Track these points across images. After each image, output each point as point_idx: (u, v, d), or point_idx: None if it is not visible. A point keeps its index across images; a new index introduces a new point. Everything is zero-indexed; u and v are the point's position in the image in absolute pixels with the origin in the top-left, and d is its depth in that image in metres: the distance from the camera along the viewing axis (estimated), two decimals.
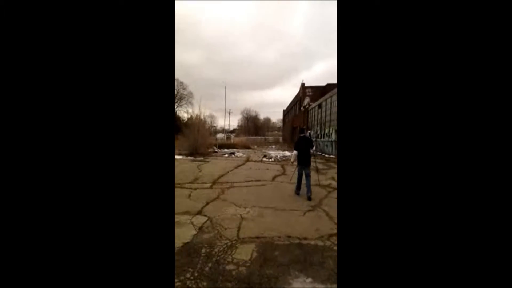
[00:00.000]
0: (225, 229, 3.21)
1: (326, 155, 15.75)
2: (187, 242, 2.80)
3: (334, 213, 3.88)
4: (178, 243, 2.75)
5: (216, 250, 2.61)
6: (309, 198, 4.72)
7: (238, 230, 3.17)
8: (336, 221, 3.53)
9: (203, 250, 2.60)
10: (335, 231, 3.16)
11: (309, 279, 2.06)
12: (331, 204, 4.39)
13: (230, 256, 2.47)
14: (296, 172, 5.28)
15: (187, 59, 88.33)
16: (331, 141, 15.83)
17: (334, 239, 2.90)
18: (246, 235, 3.02)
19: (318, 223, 3.47)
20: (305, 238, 2.94)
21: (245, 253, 2.54)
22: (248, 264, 2.32)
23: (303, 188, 5.04)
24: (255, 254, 2.52)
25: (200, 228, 3.24)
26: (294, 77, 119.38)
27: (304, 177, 4.99)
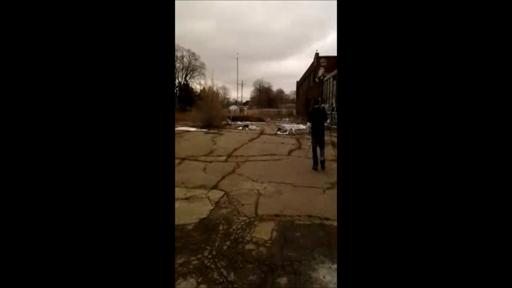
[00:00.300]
0: (243, 205, 3.10)
1: (334, 126, 15.21)
2: (204, 218, 2.71)
3: None
4: (194, 218, 2.67)
5: (234, 227, 2.51)
6: (323, 166, 4.89)
7: (256, 207, 3.05)
8: None
9: (221, 227, 2.51)
10: None
11: (335, 266, 1.91)
12: None
13: (249, 235, 2.36)
14: (311, 146, 5.18)
15: (198, 29, 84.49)
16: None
17: None
18: (264, 212, 2.90)
19: None
20: (327, 219, 2.78)
21: (264, 232, 2.43)
22: (268, 245, 2.20)
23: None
24: (275, 234, 2.40)
25: (217, 203, 3.14)
26: (307, 47, 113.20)
27: (318, 150, 4.99)
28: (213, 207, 3.01)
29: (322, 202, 3.28)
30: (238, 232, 2.42)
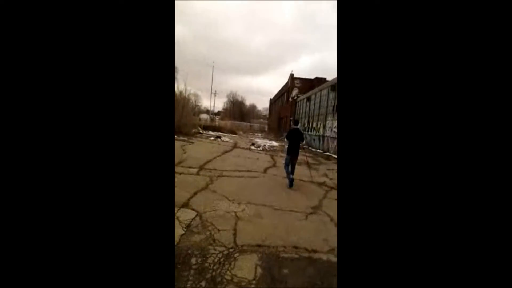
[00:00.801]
0: (219, 231, 2.65)
1: (313, 149, 15.56)
2: None
3: None
4: None
5: (210, 260, 2.06)
6: (291, 182, 4.97)
7: (235, 234, 2.63)
8: None
9: (194, 260, 2.04)
10: None
11: None
12: (333, 207, 3.97)
13: (229, 272, 1.93)
14: (285, 162, 5.29)
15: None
16: (319, 135, 15.61)
17: None
18: (244, 241, 2.49)
19: (325, 231, 3.03)
20: (315, 251, 2.47)
21: (247, 268, 2.02)
22: (253, 287, 1.80)
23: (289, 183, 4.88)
24: (259, 271, 2.00)
25: (188, 227, 2.66)
26: (281, 67, 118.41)
27: (290, 165, 5.14)
28: (183, 232, 2.52)
29: (306, 230, 2.98)
30: (215, 267, 1.97)
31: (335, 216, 3.52)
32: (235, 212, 3.25)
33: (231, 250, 2.28)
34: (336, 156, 11.94)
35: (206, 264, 2.00)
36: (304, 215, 3.48)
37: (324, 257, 2.37)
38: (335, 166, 8.72)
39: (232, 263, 2.07)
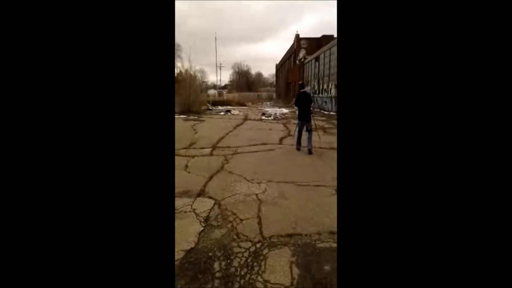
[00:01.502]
0: (241, 220, 2.33)
1: (326, 112, 14.81)
2: (191, 249, 1.91)
3: None
4: (176, 251, 1.86)
5: (235, 263, 1.75)
6: (310, 152, 4.83)
7: (260, 223, 2.30)
8: None
9: (217, 265, 1.73)
10: None
11: None
12: None
13: (260, 277, 1.62)
14: (297, 128, 5.19)
15: None
16: (331, 96, 14.72)
17: None
18: (272, 231, 2.16)
19: None
20: None
21: (281, 268, 1.70)
22: None
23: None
24: (296, 271, 1.68)
25: (206, 220, 2.35)
26: (283, 31, 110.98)
27: (304, 132, 5.03)
28: (202, 228, 2.21)
29: None
30: (242, 273, 1.66)
31: None
32: (256, 195, 2.91)
33: (258, 245, 1.96)
34: None
35: (232, 269, 1.69)
36: (332, 189, 3.10)
37: None
38: None
39: (262, 263, 1.75)
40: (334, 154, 4.91)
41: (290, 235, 2.11)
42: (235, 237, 2.07)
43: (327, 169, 3.94)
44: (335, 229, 2.20)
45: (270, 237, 2.07)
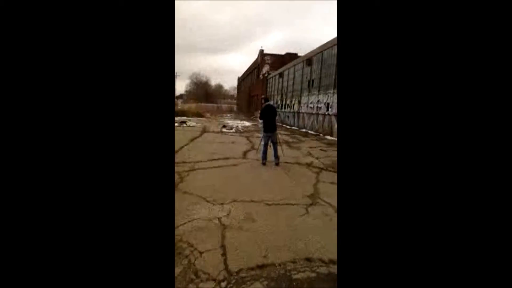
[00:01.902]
0: (201, 253, 1.90)
1: (288, 126, 15.14)
2: None
3: None
4: None
5: None
6: (277, 165, 4.89)
7: (224, 254, 1.90)
8: None
9: None
10: None
11: None
12: (332, 193, 3.43)
13: None
14: (262, 142, 5.13)
15: None
16: (294, 112, 15.16)
17: None
18: (240, 263, 1.78)
19: (334, 228, 2.44)
20: (333, 262, 1.86)
21: None
22: None
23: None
24: None
25: None
26: (248, 45, 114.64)
27: (271, 145, 4.99)
28: None
29: (312, 229, 2.36)
30: None
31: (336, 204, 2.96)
32: (218, 219, 2.49)
33: (223, 284, 1.56)
34: (313, 132, 11.63)
35: None
36: (303, 208, 2.87)
37: None
38: (316, 144, 8.31)
39: None
40: (301, 169, 4.78)
41: (261, 267, 1.76)
42: (193, 276, 1.63)
43: (295, 186, 3.73)
44: (311, 255, 1.93)
45: (238, 272, 1.69)
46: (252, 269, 1.73)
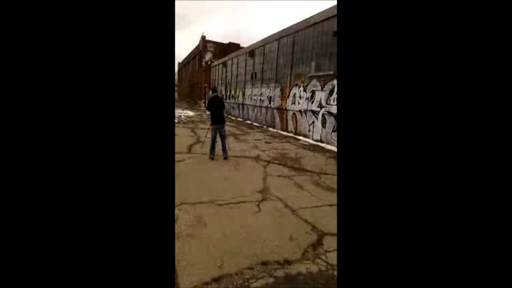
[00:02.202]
0: None
1: (233, 118, 15.03)
2: None
3: (292, 200, 3.02)
4: None
5: None
6: (225, 158, 4.80)
7: (174, 270, 1.70)
8: (304, 217, 2.66)
9: None
10: (315, 236, 2.28)
11: None
12: (280, 187, 3.51)
13: None
14: (210, 134, 4.96)
15: None
16: (239, 103, 15.09)
17: (325, 256, 2.00)
18: (193, 278, 1.62)
19: (286, 224, 2.49)
20: (288, 262, 1.89)
21: None
22: None
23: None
24: None
25: None
26: (188, 27, 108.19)
27: (219, 138, 4.84)
28: None
29: (265, 227, 2.35)
30: None
31: (287, 200, 3.05)
32: None
33: None
34: (257, 124, 11.84)
35: None
36: (255, 205, 2.85)
37: (303, 268, 1.82)
38: (261, 136, 8.46)
39: None
40: (249, 163, 4.76)
41: (217, 279, 1.64)
42: None
43: (245, 181, 3.68)
44: (267, 257, 1.91)
45: None
46: (207, 283, 1.60)
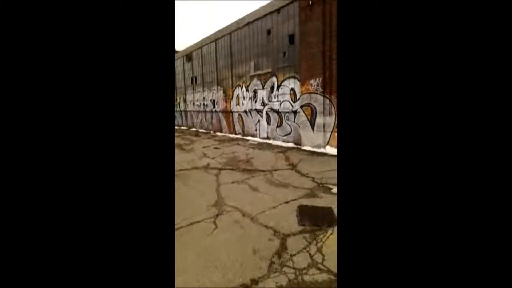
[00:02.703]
0: None
1: (177, 127, 14.16)
2: None
3: (250, 207, 2.85)
4: None
5: None
6: None
7: None
8: (265, 223, 2.52)
9: None
10: (278, 242, 2.15)
11: None
12: (235, 194, 3.31)
13: None
14: None
15: None
16: (181, 111, 14.32)
17: (291, 261, 1.88)
18: None
19: (247, 236, 2.29)
20: (255, 281, 1.70)
21: None
22: None
23: None
24: None
25: None
26: None
27: None
28: None
29: (225, 246, 2.11)
30: None
31: (244, 208, 2.87)
32: None
33: None
34: (203, 131, 11.38)
35: None
36: (211, 223, 2.58)
37: (272, 283, 1.65)
38: (209, 142, 8.11)
39: None
40: (200, 174, 4.41)
41: None
42: None
43: (197, 197, 3.36)
44: (232, 284, 1.68)
45: None
46: None
